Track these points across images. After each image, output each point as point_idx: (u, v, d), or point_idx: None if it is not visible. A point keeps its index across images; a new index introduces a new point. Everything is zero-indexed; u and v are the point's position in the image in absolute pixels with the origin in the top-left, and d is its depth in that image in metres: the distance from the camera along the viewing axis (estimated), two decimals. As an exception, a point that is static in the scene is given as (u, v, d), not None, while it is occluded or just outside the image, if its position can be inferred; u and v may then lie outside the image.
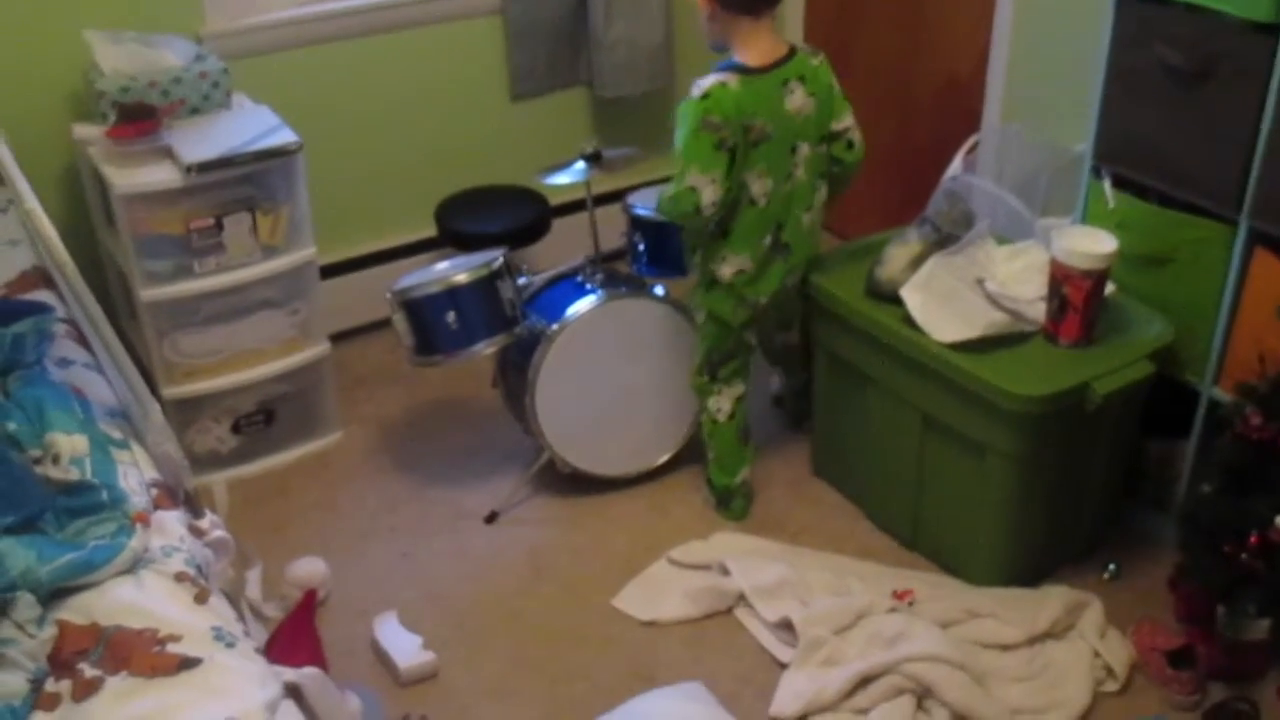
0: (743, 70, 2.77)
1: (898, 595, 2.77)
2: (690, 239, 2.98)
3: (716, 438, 3.10)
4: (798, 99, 2.82)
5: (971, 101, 3.61)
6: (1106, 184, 2.81)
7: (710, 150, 2.73)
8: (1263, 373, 2.38)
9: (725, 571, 2.87)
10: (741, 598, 2.82)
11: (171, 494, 2.18)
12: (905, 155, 3.95)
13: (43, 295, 2.61)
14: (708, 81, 2.74)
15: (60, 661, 1.79)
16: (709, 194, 2.75)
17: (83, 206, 3.25)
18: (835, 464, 3.19)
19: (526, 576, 2.95)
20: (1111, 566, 2.88)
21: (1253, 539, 2.32)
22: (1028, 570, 2.82)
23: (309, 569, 2.85)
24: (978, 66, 3.58)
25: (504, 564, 2.99)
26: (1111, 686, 2.60)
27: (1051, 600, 2.72)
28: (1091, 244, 2.65)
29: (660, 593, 2.88)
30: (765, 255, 2.91)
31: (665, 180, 3.14)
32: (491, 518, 3.12)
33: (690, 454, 3.26)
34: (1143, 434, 2.90)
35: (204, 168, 2.89)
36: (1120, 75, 2.71)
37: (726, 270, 2.91)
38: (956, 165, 3.13)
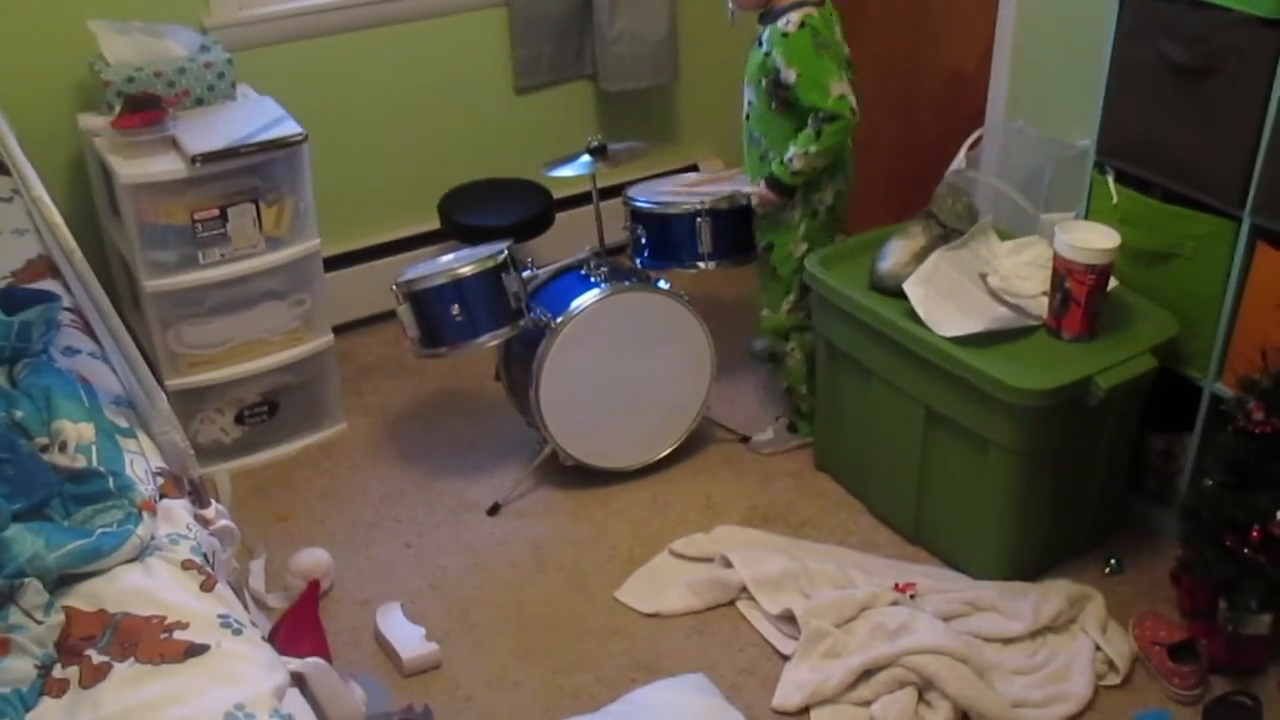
0: (814, 2, 2.98)
1: (900, 588, 2.78)
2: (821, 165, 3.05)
3: (802, 372, 3.29)
4: (838, 31, 3.05)
5: (976, 96, 3.61)
6: (1110, 179, 2.81)
7: (833, 64, 2.96)
8: (1265, 367, 2.38)
9: (728, 563, 2.87)
10: (744, 590, 2.82)
11: (177, 482, 2.19)
12: (909, 150, 3.95)
13: (49, 284, 2.62)
14: (795, 15, 2.93)
15: (68, 648, 1.80)
16: (852, 98, 2.97)
17: (88, 197, 3.25)
18: (838, 457, 3.19)
19: (529, 568, 2.96)
20: (1113, 560, 2.89)
21: (1255, 533, 2.34)
22: (1030, 564, 2.83)
23: (312, 559, 2.86)
24: (982, 62, 3.58)
25: (507, 555, 2.99)
26: (1113, 680, 2.60)
27: (1053, 594, 2.73)
28: (1095, 239, 2.66)
29: (663, 585, 2.88)
30: (851, 170, 3.17)
31: (670, 173, 3.16)
32: (494, 509, 3.13)
33: (692, 446, 3.27)
34: (1145, 428, 2.91)
35: (209, 158, 2.89)
36: (1124, 71, 2.71)
37: (829, 195, 3.12)
38: (960, 160, 3.14)
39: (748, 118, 3.17)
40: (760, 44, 3.03)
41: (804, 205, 3.13)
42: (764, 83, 3.03)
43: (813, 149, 2.98)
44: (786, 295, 3.23)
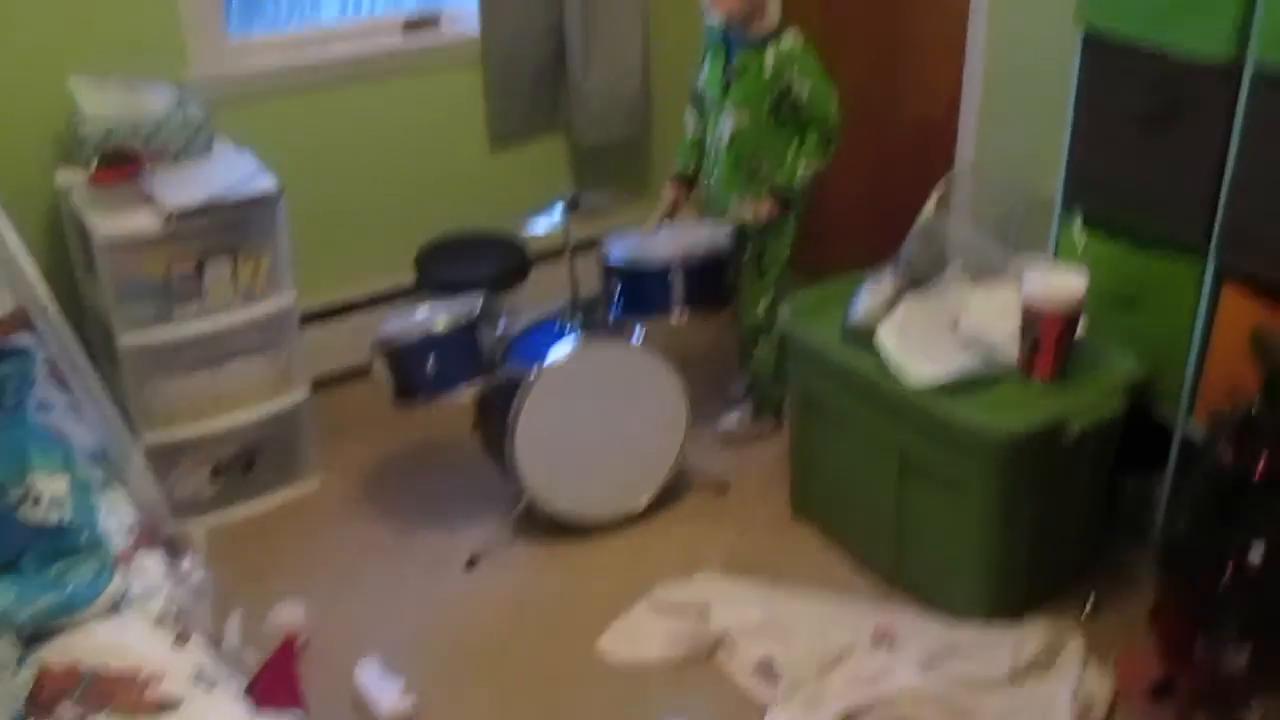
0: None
1: (879, 633, 2.77)
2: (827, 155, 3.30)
3: (770, 365, 3.49)
4: None
5: (944, 145, 3.66)
6: (1077, 224, 2.85)
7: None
8: (1234, 406, 2.40)
9: (707, 613, 2.86)
10: (724, 639, 2.81)
11: (152, 536, 2.18)
12: (880, 198, 3.99)
13: (25, 338, 2.61)
14: (792, 34, 3.20)
15: (40, 703, 1.78)
16: None
17: (63, 251, 3.25)
18: (815, 504, 3.20)
19: (508, 620, 2.94)
20: (1091, 600, 2.89)
21: (1229, 569, 2.34)
22: (1008, 606, 2.83)
23: (289, 614, 2.84)
24: (950, 111, 3.63)
25: (486, 608, 2.98)
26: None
27: (1032, 635, 2.73)
28: (1063, 283, 2.69)
29: (643, 635, 2.87)
30: None
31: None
32: (472, 562, 3.12)
33: (669, 496, 3.28)
34: (1119, 468, 2.92)
35: (185, 214, 2.90)
36: (1088, 118, 2.76)
37: (809, 174, 3.28)
38: (929, 207, 3.17)
39: (731, 144, 3.29)
40: (741, 70, 3.21)
41: (795, 210, 3.36)
42: (766, 102, 3.21)
43: (820, 162, 3.26)
44: (766, 295, 3.41)
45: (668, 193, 3.46)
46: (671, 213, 3.43)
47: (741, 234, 3.30)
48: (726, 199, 3.36)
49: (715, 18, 3.23)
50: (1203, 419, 2.61)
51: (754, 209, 3.30)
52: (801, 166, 3.27)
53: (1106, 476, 2.90)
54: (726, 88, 3.28)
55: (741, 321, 3.49)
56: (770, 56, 3.20)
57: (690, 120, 3.47)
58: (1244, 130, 2.44)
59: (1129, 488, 2.95)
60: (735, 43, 3.25)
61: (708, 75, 3.34)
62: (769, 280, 3.42)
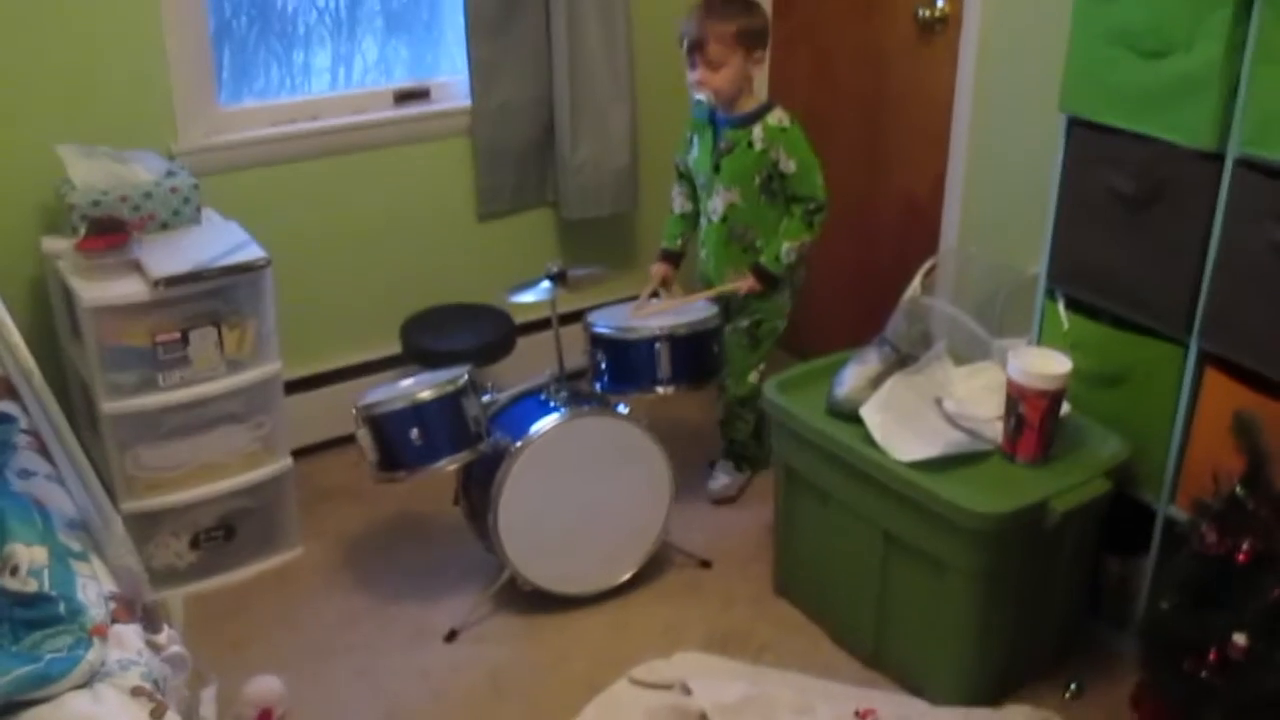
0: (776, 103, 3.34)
1: (860, 715, 2.75)
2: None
3: (750, 432, 3.59)
4: None
5: (929, 224, 3.70)
6: (1060, 305, 2.87)
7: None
8: (1217, 489, 2.41)
9: (687, 691, 2.84)
10: (704, 717, 2.79)
11: (130, 607, 2.16)
12: (864, 276, 4.02)
13: (6, 405, 2.61)
14: (780, 111, 3.30)
15: (12, 777, 1.76)
16: None
17: (48, 318, 3.25)
18: (797, 582, 3.19)
19: (487, 695, 2.91)
20: (1073, 685, 2.88)
21: (1212, 655, 2.34)
22: (990, 688, 2.82)
23: (265, 688, 2.80)
24: (935, 191, 3.67)
25: (464, 683, 2.95)
26: (1076, 807, 2.58)
27: (1014, 719, 2.71)
28: (1047, 364, 2.70)
29: (621, 712, 2.84)
30: None
31: (629, 299, 3.25)
32: (451, 636, 3.09)
33: (651, 571, 3.26)
34: (1102, 551, 2.92)
35: (172, 282, 2.91)
36: (1072, 200, 2.79)
37: (794, 251, 3.35)
38: (915, 286, 3.19)
39: (724, 220, 3.36)
40: (729, 148, 3.30)
41: (792, 283, 3.46)
42: (756, 178, 3.30)
43: (806, 238, 3.34)
44: (757, 367, 3.49)
45: (656, 269, 3.50)
46: (661, 288, 3.47)
47: (730, 304, 3.36)
48: (720, 274, 3.43)
49: (703, 96, 3.28)
50: (1185, 502, 2.61)
51: (737, 283, 3.37)
52: (785, 245, 3.33)
53: (1090, 558, 2.91)
54: (717, 166, 3.33)
55: (729, 390, 3.51)
56: (759, 132, 3.28)
57: (677, 197, 3.53)
58: (1226, 216, 2.47)
59: (1112, 570, 2.95)
60: (723, 121, 3.32)
61: (697, 154, 3.39)
62: (761, 352, 3.48)
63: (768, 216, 3.36)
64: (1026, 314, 3.05)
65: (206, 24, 3.42)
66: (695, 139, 3.40)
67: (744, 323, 3.44)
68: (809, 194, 3.31)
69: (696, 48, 3.23)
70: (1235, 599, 2.33)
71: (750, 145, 3.28)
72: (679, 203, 3.53)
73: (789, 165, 3.28)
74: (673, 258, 3.53)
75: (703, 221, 3.47)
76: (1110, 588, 2.97)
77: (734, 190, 3.33)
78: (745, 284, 3.37)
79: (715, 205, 3.38)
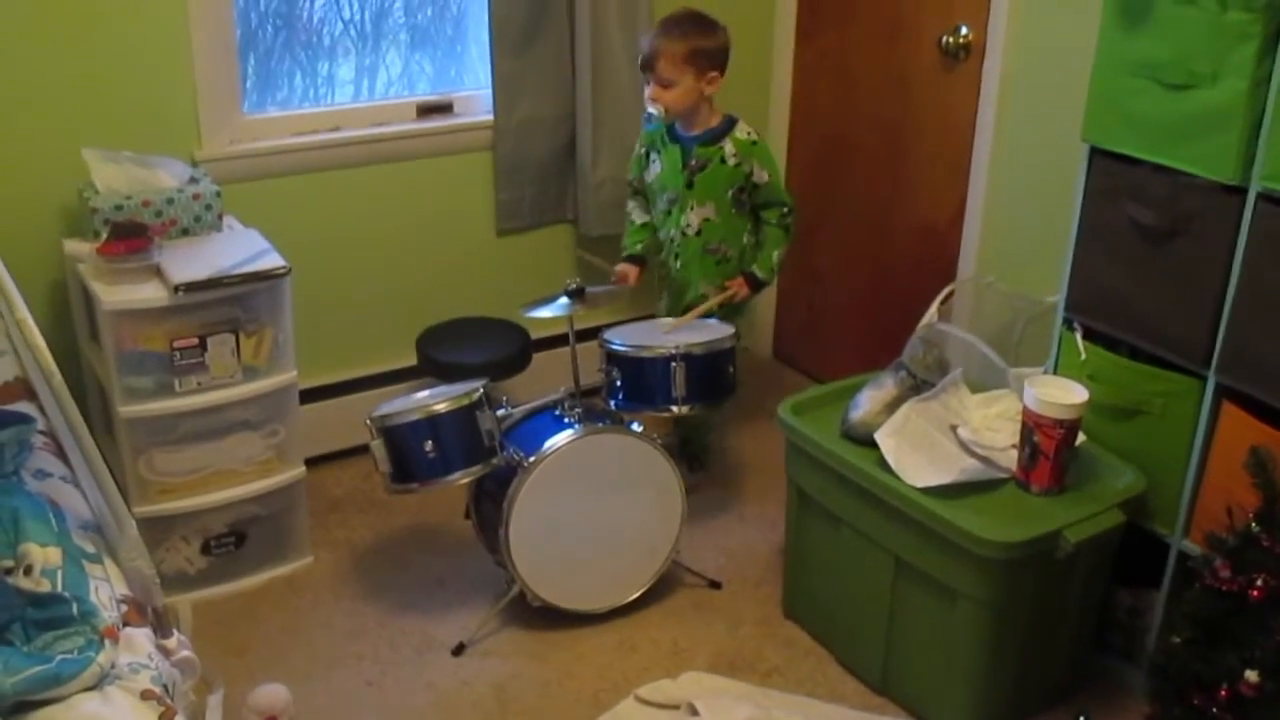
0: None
1: (867, 740, 2.75)
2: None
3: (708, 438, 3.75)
4: None
5: (948, 252, 3.70)
6: (1078, 335, 2.87)
7: None
8: (1231, 525, 2.40)
9: (693, 712, 2.83)
10: (710, 738, 2.79)
11: (141, 610, 2.16)
12: (882, 302, 4.03)
13: (24, 406, 2.62)
14: (741, 124, 3.41)
15: (21, 777, 1.76)
16: None
17: (67, 321, 3.27)
18: (806, 605, 3.18)
19: (492, 710, 2.91)
20: (1082, 717, 2.85)
21: (1223, 692, 2.32)
22: (998, 718, 2.80)
23: (271, 695, 2.80)
24: (954, 219, 3.67)
25: (470, 697, 2.95)
26: (1081, 840, 2.57)
27: (1022, 750, 2.70)
28: (1063, 394, 2.70)
29: (628, 731, 2.85)
30: None
31: (644, 318, 3.26)
32: (459, 649, 3.09)
33: (661, 590, 3.26)
34: (1113, 583, 2.91)
35: (192, 288, 2.92)
36: (1092, 230, 2.79)
37: (781, 258, 3.55)
38: (932, 313, 3.20)
39: (698, 234, 3.44)
40: (702, 164, 3.38)
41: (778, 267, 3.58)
42: (729, 192, 3.41)
43: (787, 243, 3.51)
44: None
45: (624, 269, 3.54)
46: (627, 285, 3.52)
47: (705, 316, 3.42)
48: (696, 286, 3.51)
49: (654, 110, 3.34)
50: (1199, 537, 2.60)
51: (728, 293, 3.47)
52: (775, 253, 3.50)
53: (1101, 590, 2.89)
54: (690, 183, 3.40)
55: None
56: (730, 147, 3.38)
57: (635, 210, 3.60)
58: (1247, 250, 2.47)
59: (1123, 603, 2.94)
60: (690, 139, 3.39)
61: (663, 170, 3.45)
62: None
63: (738, 227, 3.49)
64: (1044, 343, 3.05)
65: (233, 33, 3.45)
66: (655, 156, 3.48)
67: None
68: (781, 200, 3.48)
69: (648, 65, 3.32)
70: (1247, 636, 2.32)
71: (724, 160, 3.38)
72: (637, 215, 3.61)
73: (762, 176, 3.42)
74: (638, 260, 3.59)
75: (673, 235, 3.50)
76: (1121, 621, 2.96)
77: (709, 205, 3.43)
78: (742, 293, 3.51)
79: (690, 220, 3.45)
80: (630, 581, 3.22)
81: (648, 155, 3.51)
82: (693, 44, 3.29)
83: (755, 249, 3.54)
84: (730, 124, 3.41)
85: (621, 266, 3.56)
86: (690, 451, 3.74)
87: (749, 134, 3.41)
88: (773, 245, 3.50)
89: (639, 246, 3.59)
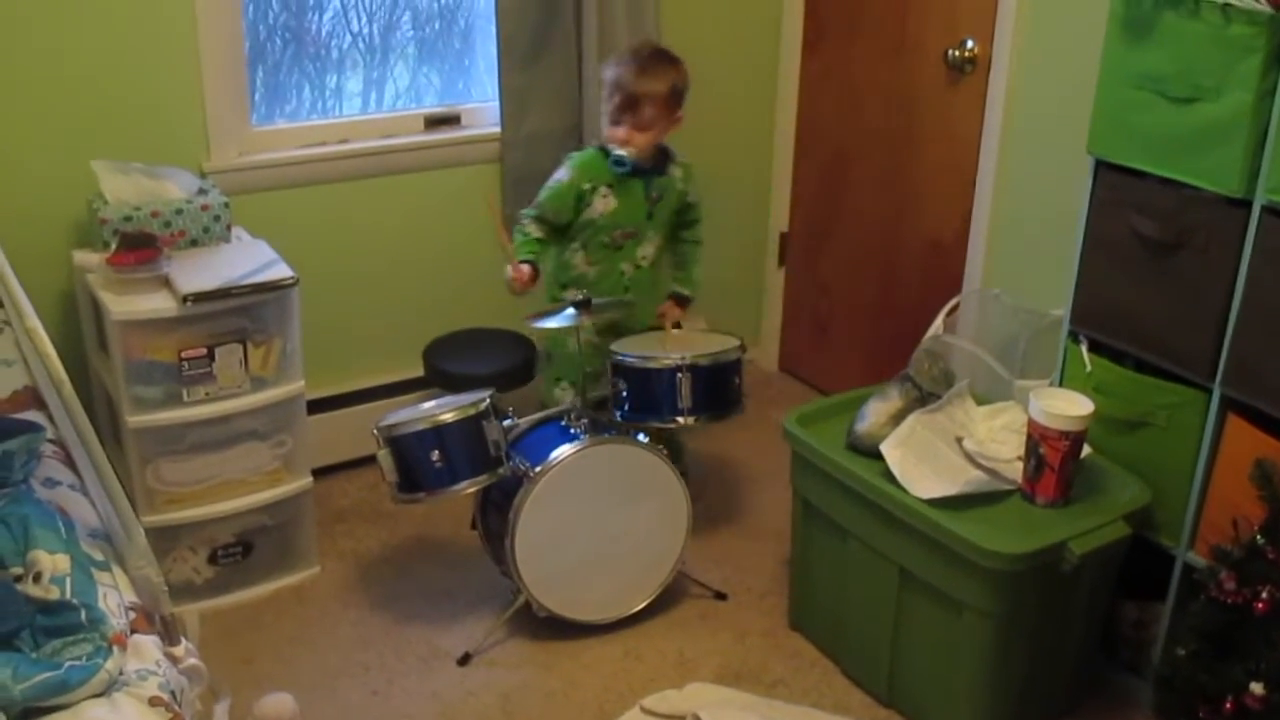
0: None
1: (872, 751, 2.75)
2: None
3: None
4: None
5: (953, 264, 3.71)
6: (1084, 348, 2.87)
7: None
8: (1236, 537, 2.40)
9: (698, 721, 2.84)
10: (715, 749, 2.79)
11: (149, 618, 2.17)
12: (888, 314, 4.03)
13: (33, 415, 2.63)
14: (677, 151, 3.40)
15: (29, 783, 1.77)
16: None
17: (76, 331, 3.28)
18: (812, 616, 3.18)
19: (498, 720, 2.92)
20: (1087, 730, 2.87)
21: (1228, 704, 2.33)
22: (1003, 731, 2.81)
23: (277, 704, 2.80)
24: (960, 231, 3.68)
25: (476, 707, 2.95)
26: None
27: (1027, 761, 2.70)
28: (1069, 406, 2.70)
29: (633, 741, 2.85)
30: None
31: (652, 329, 3.27)
32: (465, 659, 3.09)
33: (666, 601, 3.26)
34: (1118, 595, 2.91)
35: (200, 298, 2.93)
36: (1097, 243, 2.80)
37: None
38: (938, 325, 3.21)
39: (652, 264, 3.46)
40: (660, 195, 3.37)
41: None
42: (674, 217, 3.45)
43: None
44: None
45: (521, 268, 3.26)
46: (525, 288, 3.32)
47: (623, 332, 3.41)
48: (650, 314, 3.52)
49: (625, 153, 3.26)
50: (1204, 549, 2.60)
51: (674, 315, 3.53)
52: (698, 269, 3.55)
53: (1106, 603, 2.90)
54: (651, 214, 3.38)
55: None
56: (678, 172, 3.39)
57: (534, 227, 3.36)
58: (1252, 263, 2.48)
59: (1129, 615, 2.94)
60: (647, 171, 3.33)
61: (618, 207, 3.32)
62: None
63: (664, 253, 3.52)
64: (1049, 356, 3.06)
65: (242, 45, 3.47)
66: (606, 192, 3.31)
67: None
68: (701, 215, 3.53)
69: (631, 106, 3.23)
70: (1253, 648, 2.32)
71: (676, 189, 3.40)
72: (535, 231, 3.36)
73: (694, 195, 3.47)
74: (532, 264, 3.32)
75: (623, 269, 3.39)
76: (1126, 633, 2.96)
77: (660, 232, 3.44)
78: (679, 312, 3.55)
79: (646, 252, 3.42)
80: (636, 592, 3.22)
81: (591, 191, 3.31)
82: (672, 82, 3.26)
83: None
84: (667, 150, 3.38)
85: (520, 270, 3.26)
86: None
87: (683, 156, 3.42)
88: (694, 261, 3.54)
89: (531, 255, 3.31)
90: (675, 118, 3.30)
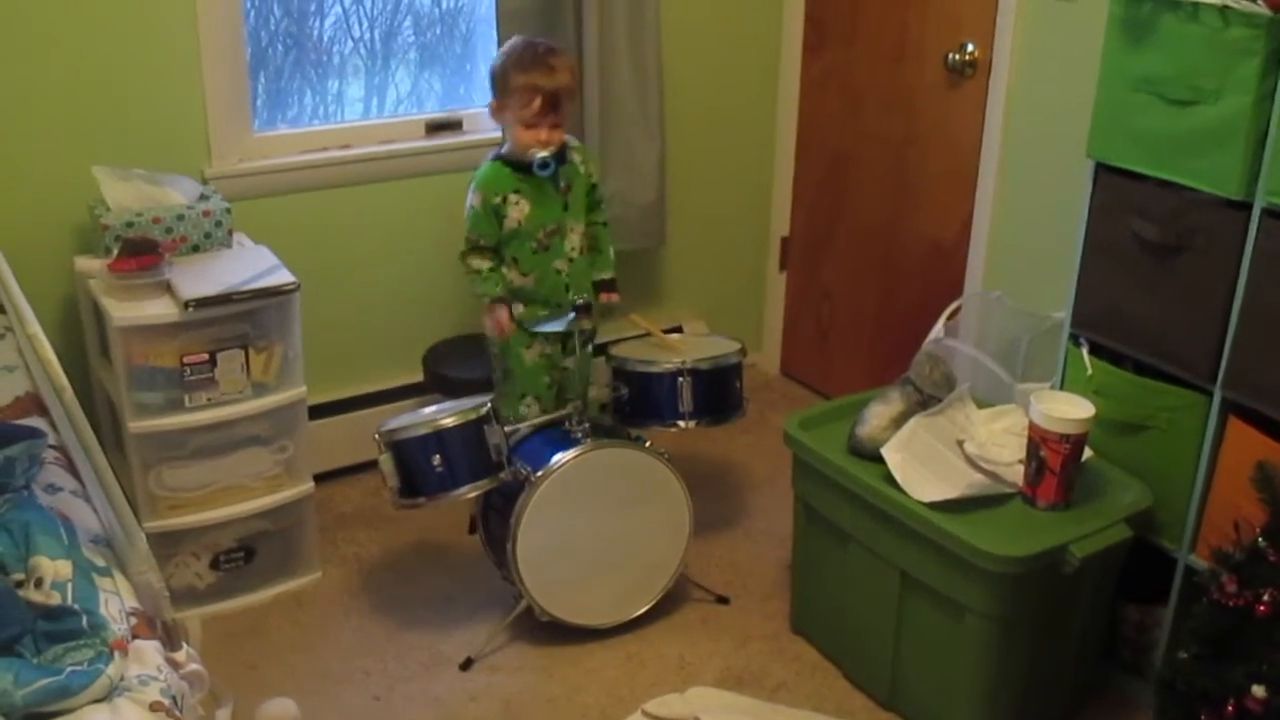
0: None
1: (874, 755, 2.75)
2: None
3: None
4: None
5: (954, 268, 3.71)
6: (1084, 351, 2.87)
7: None
8: (1238, 540, 2.40)
9: (701, 726, 2.84)
10: (717, 753, 2.79)
11: (150, 623, 2.17)
12: (889, 317, 4.04)
13: (35, 421, 2.63)
14: (572, 141, 3.33)
15: (30, 788, 1.77)
16: None
17: (78, 337, 3.29)
18: (814, 620, 3.18)
19: (500, 724, 2.92)
20: (1089, 733, 2.87)
21: (1230, 707, 2.32)
22: (1005, 734, 2.81)
23: (279, 710, 2.80)
24: (961, 234, 3.68)
25: (478, 712, 2.95)
26: None
27: (1029, 765, 2.70)
28: (1070, 409, 2.70)
29: (635, 745, 2.85)
30: None
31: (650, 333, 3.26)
32: (467, 664, 3.10)
33: (668, 605, 3.26)
34: (1120, 598, 2.91)
35: (201, 303, 2.94)
36: (1098, 246, 2.80)
37: None
38: (939, 329, 3.21)
39: (581, 252, 3.37)
40: (569, 185, 3.31)
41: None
42: (585, 199, 3.37)
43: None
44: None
45: (502, 321, 3.31)
46: (512, 329, 3.33)
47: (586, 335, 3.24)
48: (579, 292, 3.42)
49: (545, 154, 3.19)
50: (1205, 551, 2.60)
51: (610, 301, 3.47)
52: (611, 252, 3.47)
53: (1108, 606, 2.89)
54: (566, 205, 3.32)
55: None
56: (576, 156, 3.34)
57: (478, 260, 3.32)
58: (1252, 265, 2.48)
59: (1130, 618, 2.93)
60: (554, 164, 3.24)
61: (532, 209, 3.26)
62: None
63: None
64: (1050, 358, 3.06)
65: (243, 51, 3.47)
66: (516, 199, 3.25)
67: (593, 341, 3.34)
68: (602, 196, 3.47)
69: (554, 105, 3.18)
70: (1254, 651, 2.32)
71: (580, 172, 3.34)
72: (483, 264, 3.32)
73: (596, 174, 3.42)
74: (505, 302, 3.33)
75: (558, 267, 3.32)
76: (1128, 636, 2.95)
77: (580, 220, 3.36)
78: (615, 297, 3.48)
79: (574, 243, 3.33)
80: (638, 596, 3.22)
81: (503, 201, 3.24)
82: (572, 69, 3.28)
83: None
84: (563, 143, 3.28)
85: (499, 318, 3.30)
86: None
87: (581, 142, 3.42)
88: (607, 243, 3.46)
89: (499, 288, 3.30)
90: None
